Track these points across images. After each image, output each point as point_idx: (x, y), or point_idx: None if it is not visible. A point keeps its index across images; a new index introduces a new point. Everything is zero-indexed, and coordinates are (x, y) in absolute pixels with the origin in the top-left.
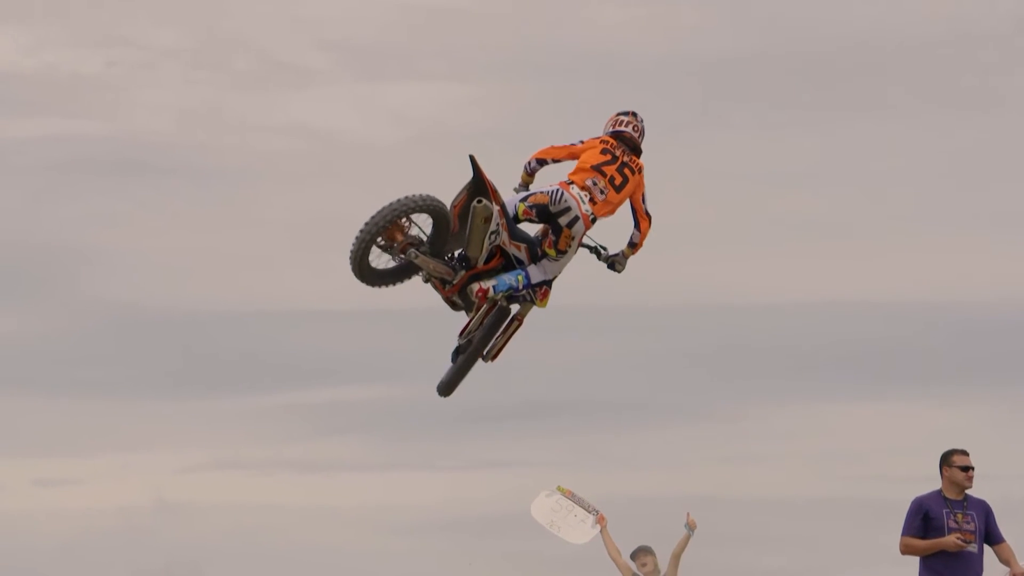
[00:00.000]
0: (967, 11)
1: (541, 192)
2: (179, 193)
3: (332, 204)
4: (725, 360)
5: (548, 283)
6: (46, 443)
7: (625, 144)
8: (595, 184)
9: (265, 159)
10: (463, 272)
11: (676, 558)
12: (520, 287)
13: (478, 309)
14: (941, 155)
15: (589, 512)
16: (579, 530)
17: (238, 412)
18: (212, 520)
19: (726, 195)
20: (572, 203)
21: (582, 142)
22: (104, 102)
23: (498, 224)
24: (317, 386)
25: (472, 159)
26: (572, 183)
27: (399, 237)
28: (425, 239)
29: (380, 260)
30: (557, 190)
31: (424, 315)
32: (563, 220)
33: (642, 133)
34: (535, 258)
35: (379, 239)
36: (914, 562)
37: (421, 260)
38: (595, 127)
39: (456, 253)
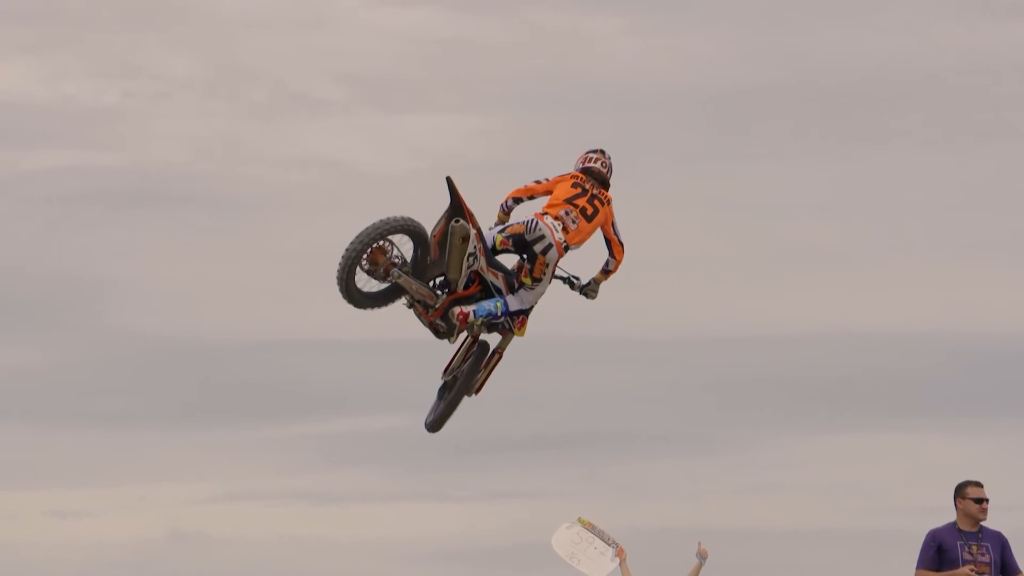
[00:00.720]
0: (981, 44)
1: (518, 223)
2: (195, 224)
3: (345, 234)
4: (736, 390)
5: (526, 312)
6: (60, 474)
7: (594, 178)
8: (567, 214)
9: (280, 190)
10: (445, 296)
11: None
12: (499, 314)
13: (459, 333)
14: (956, 187)
15: (609, 544)
16: (599, 563)
17: (253, 443)
18: (226, 551)
19: (739, 226)
20: (546, 231)
21: (550, 179)
22: (120, 133)
23: (475, 247)
24: (331, 416)
25: (449, 181)
26: (546, 214)
27: (381, 259)
28: (407, 260)
29: (368, 284)
30: (532, 220)
31: (437, 346)
32: (538, 247)
33: (610, 169)
34: (512, 289)
35: (363, 263)
36: None
37: (404, 281)
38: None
39: (437, 280)
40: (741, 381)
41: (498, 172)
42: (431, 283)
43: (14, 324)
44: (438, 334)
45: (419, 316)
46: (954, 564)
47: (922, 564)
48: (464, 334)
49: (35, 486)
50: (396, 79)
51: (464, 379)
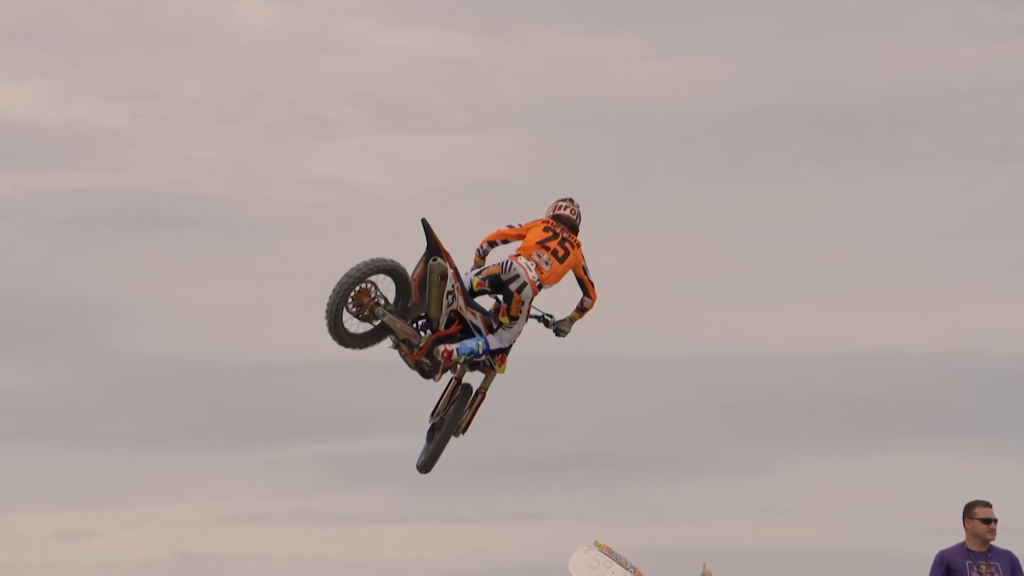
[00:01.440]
0: (991, 66)
1: (493, 265)
2: (204, 245)
3: (356, 256)
4: (753, 413)
5: (505, 351)
6: (69, 495)
7: (564, 224)
8: (540, 256)
9: (290, 211)
10: (428, 335)
11: None
12: (481, 352)
13: (443, 371)
14: (967, 208)
15: (626, 569)
16: None
17: (262, 464)
18: (235, 572)
19: (752, 247)
20: (520, 271)
21: (523, 224)
22: (130, 155)
23: (453, 286)
24: (342, 438)
25: (424, 223)
26: (520, 256)
27: (365, 300)
28: (390, 301)
29: (356, 326)
30: (507, 261)
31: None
32: (513, 286)
33: (579, 216)
34: (491, 329)
35: (350, 305)
36: None
37: (389, 319)
38: (615, 181)
39: (420, 322)
40: (753, 402)
41: (509, 193)
42: (414, 324)
43: (24, 345)
44: (423, 373)
45: (404, 357)
46: None
47: None
48: (448, 374)
49: (44, 508)
50: (406, 100)
51: (450, 421)
